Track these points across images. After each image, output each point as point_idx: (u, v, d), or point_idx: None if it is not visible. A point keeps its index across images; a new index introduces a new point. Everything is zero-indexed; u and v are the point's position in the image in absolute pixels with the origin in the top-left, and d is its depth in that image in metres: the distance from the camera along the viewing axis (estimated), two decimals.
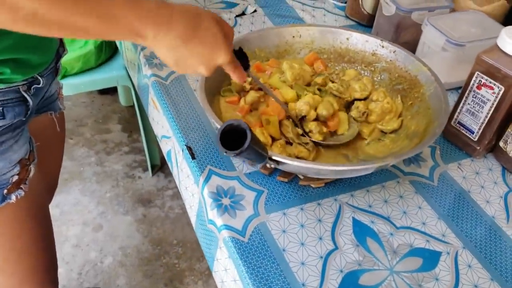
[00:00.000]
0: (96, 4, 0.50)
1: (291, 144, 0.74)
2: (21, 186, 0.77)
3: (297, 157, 0.73)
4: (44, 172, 0.89)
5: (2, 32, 0.65)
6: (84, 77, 1.61)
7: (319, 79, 0.83)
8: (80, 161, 1.97)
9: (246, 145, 0.54)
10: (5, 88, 0.71)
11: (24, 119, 0.76)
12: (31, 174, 0.80)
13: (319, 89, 0.81)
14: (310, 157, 0.73)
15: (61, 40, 0.87)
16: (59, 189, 1.82)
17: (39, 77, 0.78)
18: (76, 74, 1.59)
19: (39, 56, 0.76)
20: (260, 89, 0.81)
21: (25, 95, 0.75)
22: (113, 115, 2.20)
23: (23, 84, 0.74)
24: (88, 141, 2.06)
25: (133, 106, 2.02)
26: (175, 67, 0.61)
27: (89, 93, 2.27)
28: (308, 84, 0.84)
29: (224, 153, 0.55)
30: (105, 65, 1.65)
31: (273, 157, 0.63)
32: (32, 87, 0.77)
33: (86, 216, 1.77)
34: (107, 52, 1.65)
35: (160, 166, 1.94)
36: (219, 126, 0.60)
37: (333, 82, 0.85)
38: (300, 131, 0.74)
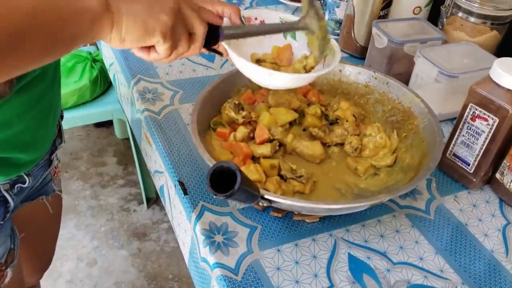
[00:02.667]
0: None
1: (285, 179, 0.73)
2: None
3: (294, 192, 0.72)
4: (36, 254, 0.83)
5: None
6: (79, 111, 1.61)
7: (310, 109, 0.83)
8: (75, 195, 1.96)
9: (236, 187, 0.53)
10: None
11: (1, 222, 0.67)
12: (7, 279, 0.71)
13: (304, 129, 0.82)
14: (306, 189, 0.72)
15: (59, 130, 0.80)
16: None
17: (24, 176, 0.69)
18: (71, 108, 1.59)
19: (29, 155, 0.68)
20: (249, 122, 0.80)
21: (6, 195, 0.66)
22: (109, 148, 2.19)
23: (5, 183, 0.66)
24: (83, 174, 2.05)
25: (128, 139, 2.02)
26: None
27: (85, 126, 2.27)
28: (298, 111, 0.84)
29: (214, 196, 0.54)
30: (100, 98, 1.66)
31: (265, 196, 0.62)
32: (16, 186, 0.68)
33: (80, 251, 1.74)
34: (102, 86, 1.65)
35: (155, 199, 1.92)
36: (211, 164, 0.59)
37: (325, 113, 0.85)
38: (293, 166, 0.74)
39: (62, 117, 0.83)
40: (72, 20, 0.45)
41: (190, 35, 0.57)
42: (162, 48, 0.54)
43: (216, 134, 0.78)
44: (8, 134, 0.61)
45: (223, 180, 0.54)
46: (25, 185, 0.70)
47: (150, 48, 0.56)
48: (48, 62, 0.47)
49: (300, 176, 0.73)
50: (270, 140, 0.77)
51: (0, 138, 0.60)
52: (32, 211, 0.82)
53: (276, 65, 0.79)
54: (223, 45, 0.71)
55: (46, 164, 0.77)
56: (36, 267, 0.94)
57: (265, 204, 0.64)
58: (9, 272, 0.72)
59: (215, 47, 0.68)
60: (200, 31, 0.57)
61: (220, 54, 0.74)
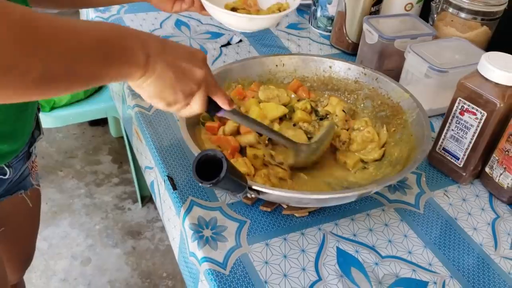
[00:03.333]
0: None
1: (267, 166, 0.73)
2: None
3: (278, 178, 0.72)
4: (17, 249, 0.82)
5: None
6: (72, 109, 1.61)
7: (300, 104, 0.84)
8: (69, 193, 1.95)
9: (222, 175, 0.53)
10: None
11: None
12: None
13: (294, 125, 0.83)
14: (287, 175, 0.73)
15: (37, 122, 0.81)
16: (48, 222, 1.80)
17: (5, 167, 0.70)
18: (64, 106, 1.59)
19: (9, 145, 0.69)
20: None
21: None
22: (104, 146, 2.19)
23: None
24: (78, 173, 2.05)
25: (123, 137, 2.02)
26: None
27: (80, 125, 2.26)
28: (287, 106, 0.85)
29: (200, 184, 0.54)
30: (94, 96, 1.66)
31: (253, 187, 0.62)
32: None
33: (74, 249, 1.74)
34: None
35: (150, 197, 1.92)
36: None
37: (314, 108, 0.85)
38: (272, 152, 0.74)
39: (39, 109, 0.83)
40: (116, 66, 0.50)
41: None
42: (160, 107, 0.59)
43: (205, 128, 0.78)
44: None
45: (210, 169, 0.54)
46: (6, 177, 0.71)
47: None
48: (70, 93, 0.51)
49: (281, 163, 0.73)
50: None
51: None
52: (11, 206, 0.82)
53: (247, 11, 1.00)
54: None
55: (25, 157, 0.77)
56: (17, 264, 0.94)
57: (253, 195, 0.64)
58: None
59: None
60: (195, 110, 0.61)
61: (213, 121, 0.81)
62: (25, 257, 1.02)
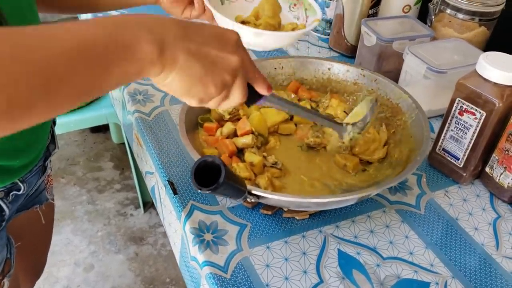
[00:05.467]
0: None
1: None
2: None
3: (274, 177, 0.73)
4: (30, 264, 0.80)
5: None
6: (73, 115, 1.61)
7: (301, 105, 0.84)
8: (71, 200, 1.96)
9: (220, 181, 0.53)
10: None
11: None
12: None
13: (295, 125, 0.83)
14: (283, 175, 0.74)
15: (52, 136, 0.78)
16: None
17: (19, 183, 0.68)
18: (65, 113, 1.59)
19: (21, 160, 0.66)
20: (237, 119, 0.81)
21: (1, 203, 0.64)
22: (105, 152, 2.20)
23: (0, 191, 0.65)
24: (80, 180, 2.05)
25: (124, 144, 2.02)
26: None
27: (81, 132, 2.27)
28: None
29: (199, 190, 0.54)
30: (95, 103, 1.66)
31: (253, 192, 0.62)
32: (11, 194, 0.67)
33: (77, 256, 1.74)
34: None
35: (152, 203, 1.92)
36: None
37: (315, 109, 0.86)
38: (265, 153, 0.75)
39: (54, 123, 0.83)
40: (117, 67, 0.41)
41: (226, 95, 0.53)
42: (193, 103, 0.51)
43: (204, 129, 0.79)
44: (0, 140, 0.59)
45: (209, 175, 0.54)
46: (20, 192, 0.69)
47: None
48: (84, 101, 0.43)
49: (275, 163, 0.73)
50: (252, 133, 0.78)
51: None
52: (27, 220, 0.81)
53: (255, 26, 0.87)
54: (207, 6, 0.80)
55: (40, 171, 0.76)
56: (28, 277, 0.93)
57: (253, 200, 0.64)
58: (6, 282, 0.71)
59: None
60: (234, 101, 0.53)
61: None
62: (37, 270, 1.02)
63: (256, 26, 0.87)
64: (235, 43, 0.50)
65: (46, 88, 0.36)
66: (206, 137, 0.77)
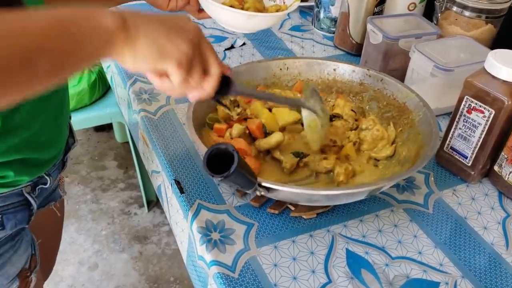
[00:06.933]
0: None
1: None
2: None
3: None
4: (42, 262, 0.80)
5: (6, 129, 0.58)
6: (78, 115, 1.61)
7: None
8: (76, 199, 1.96)
9: (233, 168, 0.52)
10: (6, 193, 0.62)
11: (26, 225, 0.67)
12: (32, 285, 0.71)
13: (302, 124, 0.80)
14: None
15: (70, 130, 0.80)
16: None
17: (46, 176, 0.70)
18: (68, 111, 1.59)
19: (48, 153, 0.68)
20: (245, 119, 0.80)
21: (29, 197, 0.66)
22: (109, 151, 2.19)
23: (27, 185, 0.66)
24: (84, 179, 2.05)
25: (128, 142, 2.02)
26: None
27: (85, 131, 2.27)
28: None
29: (211, 177, 0.53)
30: (99, 102, 1.66)
31: (263, 184, 0.61)
32: (37, 188, 0.68)
33: (81, 255, 1.74)
34: (101, 89, 1.66)
35: (156, 201, 1.92)
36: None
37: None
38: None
39: (70, 116, 0.84)
40: (85, 41, 0.44)
41: (204, 74, 0.55)
42: (175, 76, 0.51)
43: (213, 130, 0.78)
44: (26, 135, 0.61)
45: (221, 164, 0.53)
46: (46, 186, 0.70)
47: (162, 75, 0.53)
48: (59, 82, 0.46)
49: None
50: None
51: (20, 140, 0.61)
52: (43, 218, 0.81)
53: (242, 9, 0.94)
54: None
55: (61, 165, 0.78)
56: (41, 271, 0.94)
57: (262, 193, 0.63)
58: (33, 278, 0.71)
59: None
60: (215, 71, 0.55)
61: (227, 107, 0.78)
62: (47, 269, 1.02)
63: (244, 10, 0.94)
64: (194, 27, 0.53)
65: (24, 58, 0.39)
66: (216, 138, 0.77)
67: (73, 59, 0.45)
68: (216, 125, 0.78)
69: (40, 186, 0.69)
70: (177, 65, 0.50)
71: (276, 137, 0.76)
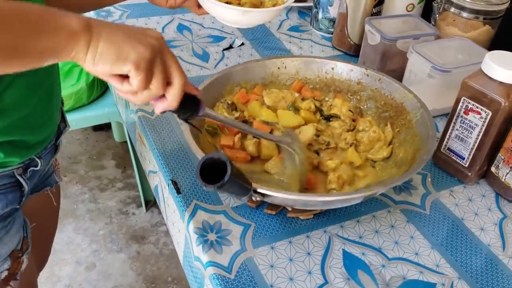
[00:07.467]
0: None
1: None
2: (11, 283, 0.69)
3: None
4: (36, 249, 0.82)
5: None
6: (76, 114, 1.61)
7: (304, 104, 0.84)
8: (73, 199, 1.95)
9: (226, 178, 0.52)
10: None
11: (18, 206, 0.69)
12: (24, 266, 0.72)
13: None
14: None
15: (62, 114, 0.81)
16: None
17: (36, 159, 0.71)
18: (67, 111, 1.59)
19: (38, 135, 0.69)
20: (244, 121, 0.80)
21: (20, 179, 0.67)
22: (107, 151, 2.19)
23: (19, 167, 0.67)
24: (82, 178, 2.05)
25: (127, 142, 2.02)
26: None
27: (84, 130, 2.26)
28: (296, 109, 0.84)
29: (205, 187, 0.53)
30: (97, 102, 1.65)
31: (258, 190, 0.62)
32: (29, 170, 0.69)
33: (79, 255, 1.74)
34: (99, 89, 1.65)
35: (154, 201, 1.92)
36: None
37: (319, 107, 0.85)
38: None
39: (62, 103, 0.84)
40: (47, 33, 0.47)
41: (167, 84, 0.54)
42: (134, 79, 0.51)
43: (221, 147, 0.77)
44: (17, 116, 0.63)
45: (215, 173, 0.53)
46: (37, 168, 0.72)
47: (123, 78, 0.53)
48: (15, 71, 0.48)
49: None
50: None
51: (12, 121, 0.62)
52: (37, 203, 0.83)
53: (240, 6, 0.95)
54: None
55: (53, 149, 0.78)
56: (36, 259, 0.94)
57: (258, 199, 0.63)
58: (25, 259, 0.73)
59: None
60: (178, 81, 0.54)
61: (196, 128, 0.71)
62: (41, 258, 1.03)
63: (241, 5, 0.95)
64: (156, 35, 0.53)
65: None
66: (225, 150, 0.76)
67: (30, 50, 0.46)
68: (223, 143, 0.77)
69: (32, 168, 0.70)
70: (135, 66, 0.50)
71: (308, 134, 0.78)
